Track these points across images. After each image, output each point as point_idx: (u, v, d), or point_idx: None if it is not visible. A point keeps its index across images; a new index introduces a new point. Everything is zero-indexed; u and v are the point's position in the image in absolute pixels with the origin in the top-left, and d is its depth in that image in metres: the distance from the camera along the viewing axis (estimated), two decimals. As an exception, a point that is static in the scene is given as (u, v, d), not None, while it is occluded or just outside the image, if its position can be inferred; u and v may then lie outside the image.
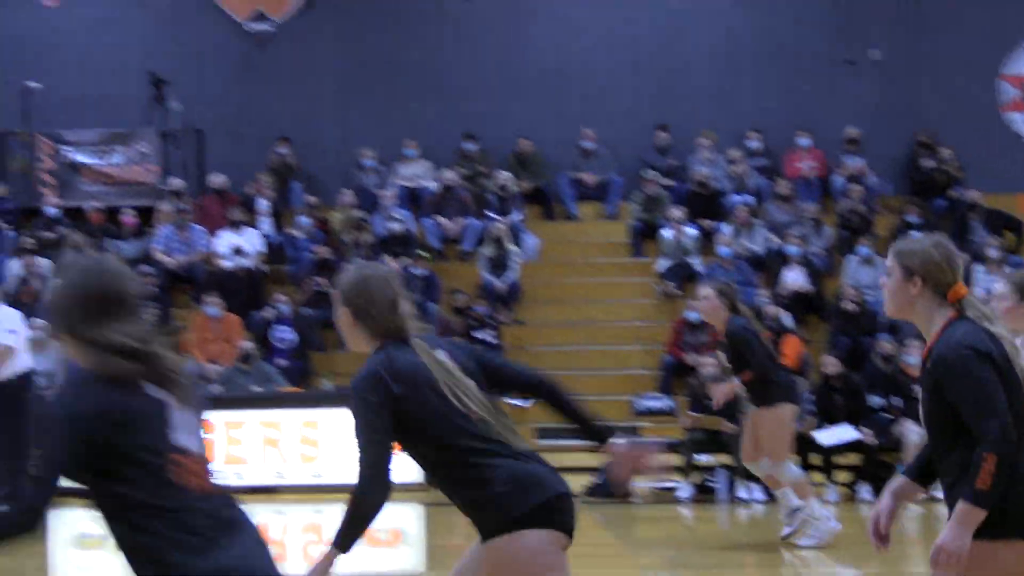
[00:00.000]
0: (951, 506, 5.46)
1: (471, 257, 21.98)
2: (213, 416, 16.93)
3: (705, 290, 12.88)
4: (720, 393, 13.24)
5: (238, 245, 21.43)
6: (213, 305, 19.89)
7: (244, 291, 20.80)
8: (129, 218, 22.34)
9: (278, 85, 24.14)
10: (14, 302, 19.81)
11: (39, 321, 18.76)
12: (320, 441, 17.29)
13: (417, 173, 23.37)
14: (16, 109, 23.22)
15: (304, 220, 22.13)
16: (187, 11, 24.35)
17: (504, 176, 22.72)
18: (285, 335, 19.97)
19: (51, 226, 22.23)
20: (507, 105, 23.81)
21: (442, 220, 22.46)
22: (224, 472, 16.81)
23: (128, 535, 4.41)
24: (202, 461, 4.56)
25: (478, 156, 23.46)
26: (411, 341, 5.65)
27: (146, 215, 22.50)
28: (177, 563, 4.38)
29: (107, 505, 4.44)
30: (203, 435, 4.63)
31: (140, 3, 24.32)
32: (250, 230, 21.83)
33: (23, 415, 15.32)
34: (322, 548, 5.54)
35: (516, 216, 22.34)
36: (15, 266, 21.19)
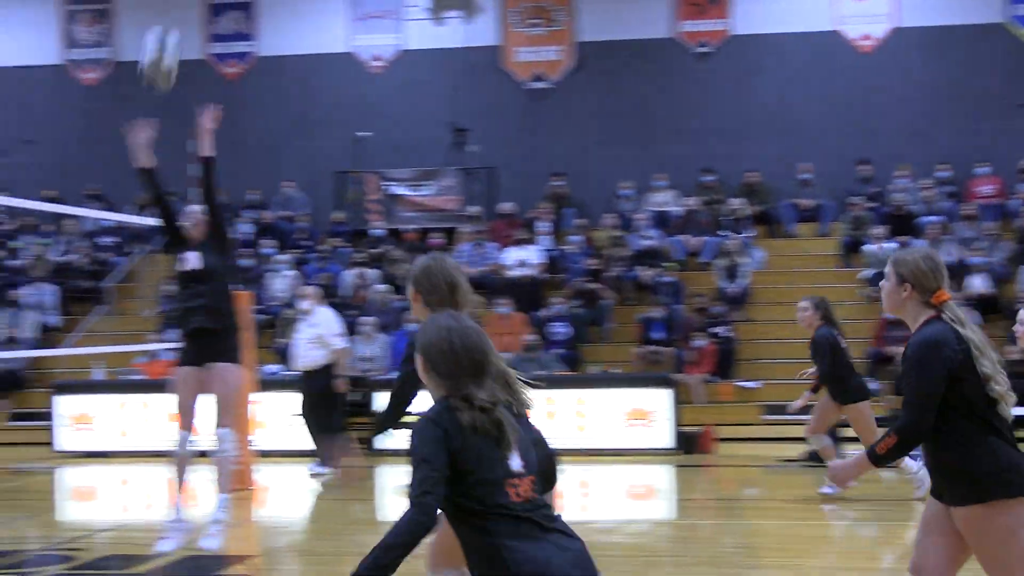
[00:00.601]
0: (930, 469, 5.60)
1: (709, 267, 21.90)
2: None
3: (804, 303, 12.76)
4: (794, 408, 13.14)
5: (522, 258, 21.82)
6: (503, 306, 20.27)
7: (527, 295, 21.04)
8: (437, 238, 22.95)
9: (554, 130, 24.73)
10: (348, 304, 20.92)
11: (369, 319, 19.90)
12: (588, 415, 17.47)
13: (665, 200, 23.47)
14: (350, 153, 24.27)
15: (575, 238, 22.36)
16: (481, 74, 25.02)
17: (736, 202, 22.67)
18: (560, 330, 20.18)
19: (377, 244, 23.10)
20: (738, 144, 23.97)
21: (686, 238, 22.49)
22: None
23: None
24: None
25: (715, 186, 23.44)
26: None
27: (450, 235, 23.18)
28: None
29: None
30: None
31: (444, 68, 25.00)
32: (532, 246, 22.14)
33: (330, 397, 16.21)
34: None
35: (746, 234, 22.19)
36: (349, 276, 22.07)
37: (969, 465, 5.38)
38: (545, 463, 5.39)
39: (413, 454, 4.25)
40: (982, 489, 5.34)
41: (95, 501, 15.56)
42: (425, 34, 25.06)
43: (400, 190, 24.19)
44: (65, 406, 18.78)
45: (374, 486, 16.05)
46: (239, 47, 26.06)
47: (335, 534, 12.07)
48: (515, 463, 4.32)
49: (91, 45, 26.35)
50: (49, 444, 18.80)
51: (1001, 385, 5.44)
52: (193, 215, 10.30)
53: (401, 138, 24.62)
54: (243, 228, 23.83)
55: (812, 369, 12.61)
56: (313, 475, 15.87)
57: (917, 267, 5.63)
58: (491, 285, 21.63)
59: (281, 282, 21.93)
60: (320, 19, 25.71)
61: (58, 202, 23.75)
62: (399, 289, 21.26)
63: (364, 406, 18.35)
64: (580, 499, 14.64)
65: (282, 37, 25.84)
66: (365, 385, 18.57)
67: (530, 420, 5.22)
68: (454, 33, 24.92)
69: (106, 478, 16.78)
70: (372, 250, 22.77)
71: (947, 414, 5.43)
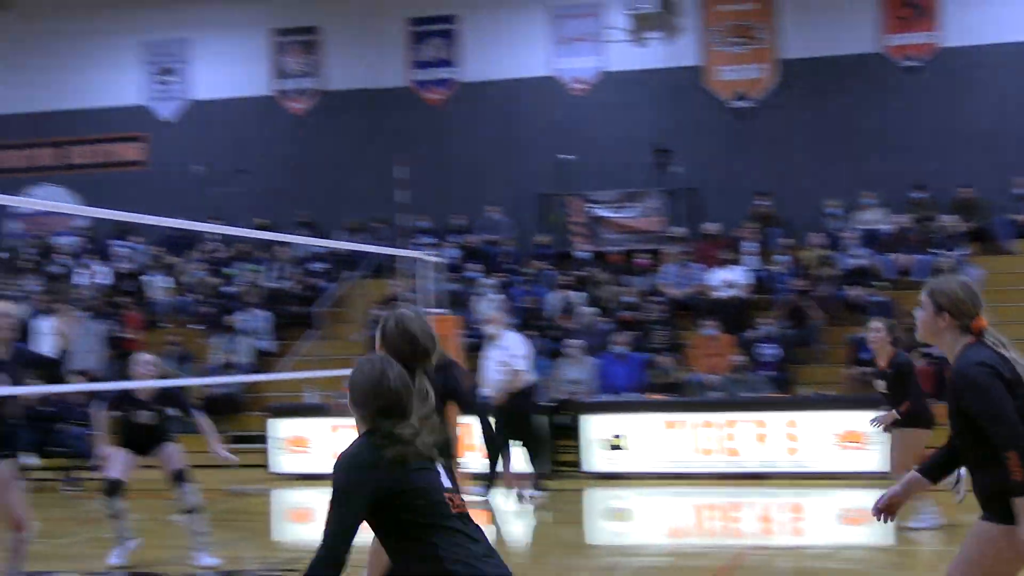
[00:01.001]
0: (977, 492, 5.48)
1: (921, 286, 21.60)
2: (713, 416, 17.72)
3: (876, 323, 12.35)
4: (881, 421, 12.28)
5: (728, 279, 21.71)
6: (709, 327, 20.22)
7: (734, 315, 20.91)
8: (642, 259, 23.02)
9: (758, 149, 24.54)
10: (554, 327, 21.08)
11: (575, 341, 20.02)
12: (800, 437, 17.30)
13: (874, 218, 23.08)
14: (554, 176, 24.49)
15: (782, 258, 22.12)
16: (683, 95, 24.99)
17: (948, 219, 22.23)
18: (769, 351, 19.95)
19: (581, 266, 23.22)
20: (950, 159, 23.45)
21: (896, 256, 22.07)
22: (721, 461, 17.55)
23: None
24: None
25: (926, 202, 22.98)
26: None
27: (655, 256, 23.11)
28: None
29: None
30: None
31: (646, 89, 25.08)
32: (738, 267, 22.01)
33: (527, 421, 16.25)
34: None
35: (960, 252, 21.68)
36: (554, 298, 22.28)
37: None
38: None
39: (335, 491, 4.58)
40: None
41: (311, 523, 15.93)
42: (626, 55, 25.11)
43: (604, 212, 24.28)
44: (280, 429, 19.31)
45: (582, 509, 16.13)
46: (442, 73, 26.48)
47: (540, 556, 12.13)
48: (445, 481, 4.68)
49: (299, 75, 27.07)
50: (265, 466, 19.33)
51: None
52: None
53: (604, 160, 24.70)
54: (449, 252, 24.16)
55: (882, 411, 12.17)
56: (523, 499, 15.96)
57: (956, 295, 5.62)
58: (697, 306, 21.65)
59: (487, 305, 22.15)
60: (521, 44, 25.98)
61: (270, 229, 24.46)
62: (605, 311, 21.36)
63: (571, 428, 18.45)
64: (793, 523, 14.52)
65: (484, 62, 26.19)
66: (572, 408, 18.68)
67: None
68: (655, 54, 24.93)
69: (320, 500, 17.16)
70: (577, 272, 22.88)
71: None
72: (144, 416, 11.95)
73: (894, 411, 12.03)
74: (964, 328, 5.59)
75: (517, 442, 15.88)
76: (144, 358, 12.20)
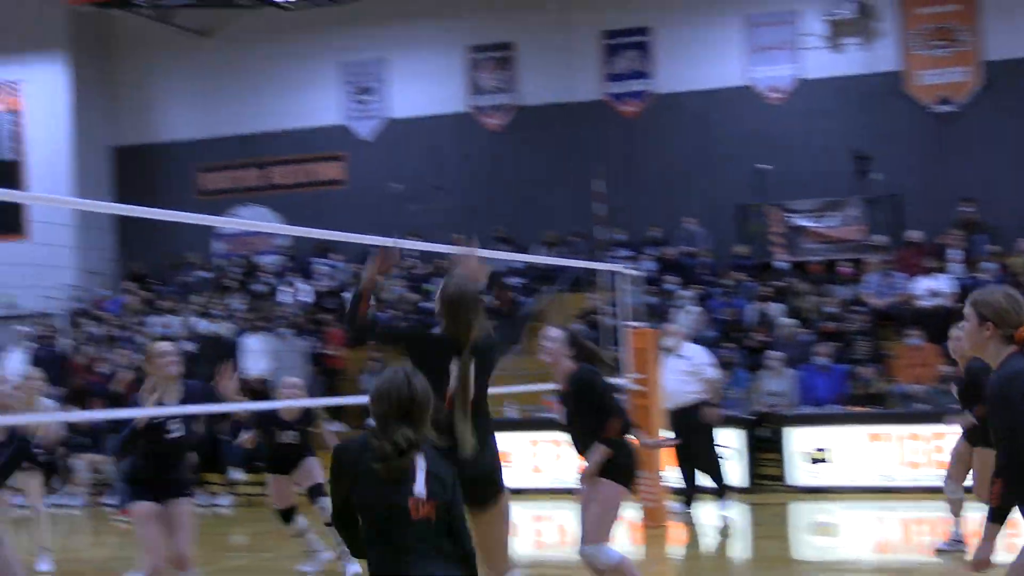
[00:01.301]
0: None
1: None
2: (919, 428, 17.34)
3: (955, 331, 11.79)
4: (957, 423, 11.88)
5: (933, 287, 21.17)
6: (913, 337, 19.83)
7: (940, 325, 19.74)
8: (844, 268, 22.64)
9: (961, 154, 23.93)
10: (753, 339, 20.88)
11: (776, 353, 19.84)
12: None
13: (1085, 222, 22.62)
14: (752, 186, 24.27)
15: (988, 265, 21.51)
16: (882, 100, 24.52)
17: None
18: (975, 362, 19.54)
19: (781, 277, 22.96)
20: None
21: None
22: (929, 475, 17.17)
23: None
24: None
25: None
26: None
27: (857, 265, 22.67)
28: None
29: None
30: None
31: (844, 96, 24.69)
32: (942, 275, 21.47)
33: (699, 434, 15.80)
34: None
35: None
36: (753, 310, 21.98)
37: None
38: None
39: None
40: None
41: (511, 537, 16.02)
42: (823, 62, 24.82)
43: (803, 221, 23.97)
44: (481, 443, 19.43)
45: (786, 523, 15.98)
46: (636, 85, 26.49)
47: (743, 571, 12.07)
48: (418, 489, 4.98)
49: (494, 91, 27.35)
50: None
51: None
52: None
53: (802, 169, 24.43)
54: (645, 265, 24.14)
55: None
56: (723, 513, 15.89)
57: (999, 305, 5.69)
58: (901, 316, 21.23)
59: (686, 318, 22.08)
60: (716, 53, 25.83)
61: (467, 245, 24.73)
62: (806, 322, 21.12)
63: (773, 442, 18.30)
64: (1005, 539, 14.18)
65: (678, 73, 26.11)
66: (773, 420, 18.53)
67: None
68: (853, 60, 24.60)
69: (521, 514, 17.27)
70: (776, 283, 22.66)
71: None
72: (288, 436, 12.45)
73: (968, 414, 11.65)
74: (1008, 338, 5.62)
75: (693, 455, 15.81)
76: (290, 381, 12.73)
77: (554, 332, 9.04)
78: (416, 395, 5.09)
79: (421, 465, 5.03)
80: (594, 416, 8.78)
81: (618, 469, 8.72)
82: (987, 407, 5.58)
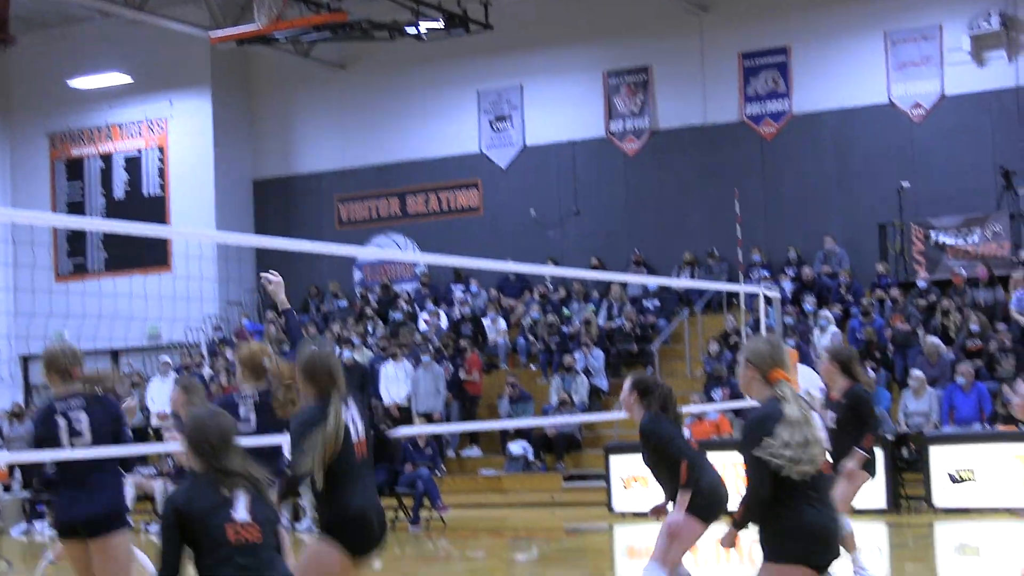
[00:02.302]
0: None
1: None
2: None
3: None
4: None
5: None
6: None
7: None
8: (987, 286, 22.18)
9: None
10: (889, 358, 20.59)
11: (917, 372, 19.56)
12: None
13: None
14: (893, 204, 23.91)
15: None
16: (1029, 113, 24.32)
17: None
18: None
19: (923, 295, 22.69)
20: None
21: None
22: None
23: None
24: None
25: None
26: None
27: (1003, 283, 22.22)
28: None
29: None
30: None
31: (989, 110, 24.24)
32: (1091, 291, 21.22)
33: None
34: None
35: None
36: (894, 329, 21.61)
37: (773, 524, 6.37)
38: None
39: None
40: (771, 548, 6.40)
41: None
42: (966, 77, 24.44)
43: (946, 238, 23.59)
44: (618, 467, 19.48)
45: (931, 544, 15.73)
46: (774, 106, 26.32)
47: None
48: (240, 514, 5.75)
49: (631, 115, 27.39)
50: (606, 504, 19.52)
51: (790, 452, 6.24)
52: None
53: (945, 185, 24.09)
54: (784, 285, 23.98)
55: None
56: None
57: (757, 350, 6.61)
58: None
59: (827, 338, 21.87)
60: (856, 71, 25.55)
61: (604, 269, 24.83)
62: (949, 340, 20.78)
63: (914, 462, 18.03)
64: None
65: (817, 92, 25.90)
66: (916, 440, 18.27)
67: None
68: (997, 73, 24.20)
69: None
70: (919, 301, 22.33)
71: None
72: None
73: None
74: (764, 381, 6.55)
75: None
76: None
77: (626, 383, 9.20)
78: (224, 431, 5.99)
79: (240, 494, 5.82)
80: (664, 463, 9.08)
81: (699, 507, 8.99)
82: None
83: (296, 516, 20.16)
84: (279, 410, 8.62)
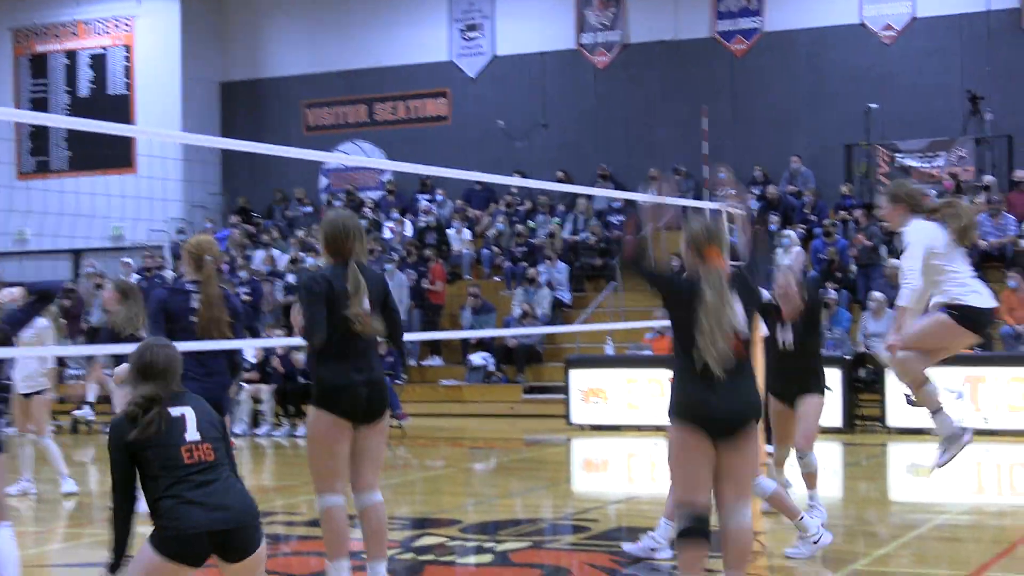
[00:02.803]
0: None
1: None
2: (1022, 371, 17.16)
3: None
4: None
5: (1044, 229, 21.00)
6: (1012, 279, 19.51)
7: None
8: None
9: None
10: (852, 278, 20.61)
11: (877, 294, 19.64)
12: None
13: None
14: (860, 125, 23.99)
15: (1101, 207, 21.27)
16: (999, 38, 24.13)
17: None
18: (1085, 305, 18.99)
19: (883, 218, 22.70)
20: None
21: None
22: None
23: None
24: None
25: None
26: None
27: (965, 207, 22.49)
28: None
29: None
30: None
31: (959, 34, 24.26)
32: (1054, 218, 21.27)
33: None
34: None
35: None
36: (856, 249, 21.74)
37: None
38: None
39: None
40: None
41: (606, 473, 16.17)
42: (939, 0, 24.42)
43: (911, 162, 23.67)
44: (578, 380, 19.58)
45: (885, 464, 15.91)
46: (746, 23, 26.21)
47: (838, 510, 12.02)
48: (191, 434, 5.81)
49: (602, 28, 27.21)
50: (564, 417, 19.65)
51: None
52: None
53: (913, 108, 24.12)
54: (750, 204, 24.00)
55: None
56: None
57: (693, 229, 6.56)
58: (1006, 258, 20.97)
59: (788, 257, 21.93)
60: (829, -9, 25.52)
61: (570, 182, 24.76)
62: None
63: (872, 383, 18.19)
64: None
65: (789, 11, 25.80)
66: (872, 361, 18.41)
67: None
68: (970, -4, 24.23)
69: (617, 451, 17.38)
70: (880, 223, 22.37)
71: None
72: None
73: None
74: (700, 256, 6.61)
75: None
76: None
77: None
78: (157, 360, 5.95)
79: (190, 414, 5.86)
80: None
81: None
82: None
83: (255, 423, 20.22)
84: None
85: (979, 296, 8.13)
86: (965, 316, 8.10)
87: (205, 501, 5.68)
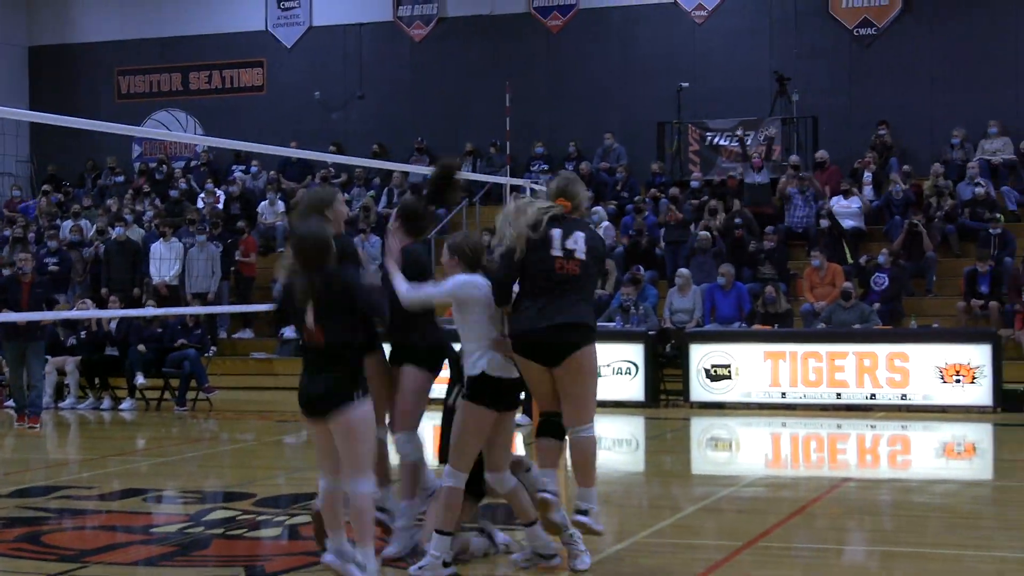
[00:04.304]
0: None
1: None
2: (819, 347, 17.64)
3: None
4: None
5: (845, 208, 21.51)
6: (820, 257, 19.76)
7: (848, 245, 20.80)
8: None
9: (879, 78, 24.10)
10: (659, 254, 20.85)
11: (683, 271, 19.93)
12: (907, 370, 17.03)
13: (998, 147, 22.69)
14: (671, 104, 24.34)
15: (899, 188, 21.72)
16: (806, 21, 24.70)
17: None
18: (882, 282, 19.67)
19: (696, 195, 23.07)
20: None
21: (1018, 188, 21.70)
22: (826, 393, 17.48)
23: None
24: None
25: None
26: None
27: (771, 185, 22.85)
28: None
29: None
30: None
31: (768, 16, 24.76)
32: (855, 196, 21.72)
33: None
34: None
35: None
36: (665, 227, 22.12)
37: None
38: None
39: None
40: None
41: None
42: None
43: (721, 140, 23.98)
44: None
45: (688, 438, 16.17)
46: (562, 0, 26.34)
47: (640, 484, 12.19)
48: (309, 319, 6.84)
49: (419, 1, 27.10)
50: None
51: None
52: None
53: (722, 88, 24.55)
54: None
55: None
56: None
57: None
58: (811, 236, 21.43)
59: (599, 232, 22.17)
60: (643, -31, 25.77)
61: (386, 155, 24.67)
62: (716, 240, 21.19)
63: (676, 358, 18.47)
64: (896, 456, 14.43)
65: (605, -12, 26.05)
66: (676, 336, 18.71)
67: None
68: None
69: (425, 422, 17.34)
70: (691, 201, 22.72)
71: None
72: None
73: None
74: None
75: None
76: None
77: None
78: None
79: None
80: None
81: None
82: None
83: (60, 395, 19.74)
84: None
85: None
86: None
87: None
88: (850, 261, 20.58)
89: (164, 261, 22.41)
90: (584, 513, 7.57)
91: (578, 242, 7.54)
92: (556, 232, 7.52)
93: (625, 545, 8.56)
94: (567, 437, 7.71)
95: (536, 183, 16.11)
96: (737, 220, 21.34)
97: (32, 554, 8.59)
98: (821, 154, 23.05)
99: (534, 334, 7.43)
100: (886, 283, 19.76)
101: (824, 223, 21.23)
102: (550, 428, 7.62)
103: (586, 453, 7.59)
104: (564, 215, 7.63)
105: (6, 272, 20.90)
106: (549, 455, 7.56)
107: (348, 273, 7.17)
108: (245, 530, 9.30)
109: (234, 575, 7.72)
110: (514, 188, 16.13)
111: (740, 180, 23.00)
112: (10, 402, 17.47)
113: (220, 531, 9.22)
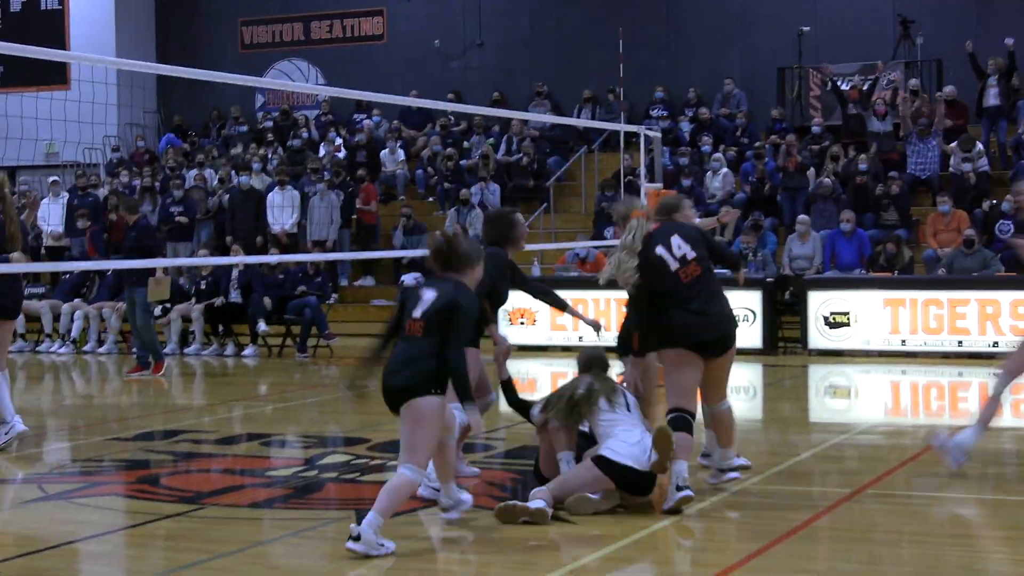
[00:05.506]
0: None
1: None
2: (941, 294, 17.33)
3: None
4: None
5: (969, 153, 21.00)
6: (944, 203, 19.57)
7: (972, 192, 20.43)
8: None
9: (1005, 19, 23.53)
10: (779, 201, 20.62)
11: (803, 217, 19.69)
12: None
13: None
14: (792, 48, 24.00)
15: (1027, 133, 21.22)
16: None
17: None
18: (1006, 228, 19.26)
19: (817, 140, 22.82)
20: None
21: None
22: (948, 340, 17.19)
23: None
24: None
25: None
26: None
27: (896, 129, 22.26)
28: None
29: None
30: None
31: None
32: (978, 142, 21.20)
33: None
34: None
35: None
36: (786, 172, 21.86)
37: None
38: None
39: None
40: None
41: (531, 394, 16.15)
42: (875, -78, 24.41)
43: (843, 85, 23.54)
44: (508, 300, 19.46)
45: (805, 385, 16.05)
46: (684, -58, 26.06)
47: (758, 431, 12.10)
48: (417, 312, 7.03)
49: (540, -51, 26.97)
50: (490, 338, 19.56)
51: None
52: None
53: (845, 32, 24.19)
54: (683, 126, 24.02)
55: None
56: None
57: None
58: (934, 181, 21.04)
59: (719, 180, 22.00)
60: (765, -89, 25.38)
61: (505, 103, 24.64)
62: (837, 187, 20.90)
63: (795, 305, 18.29)
64: (1020, 404, 14.19)
65: (726, -69, 25.71)
66: (794, 284, 18.52)
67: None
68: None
69: (543, 371, 17.40)
70: (813, 147, 22.41)
71: None
72: None
73: None
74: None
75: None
76: None
77: None
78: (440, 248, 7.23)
79: (427, 296, 7.06)
80: None
81: None
82: None
83: (185, 342, 20.07)
84: None
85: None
86: None
87: None
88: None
89: (282, 209, 22.64)
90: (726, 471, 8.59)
91: (680, 246, 8.00)
92: (660, 249, 8.00)
93: (741, 487, 8.57)
94: (709, 408, 8.41)
95: (652, 129, 16.00)
96: (862, 167, 20.97)
97: (151, 495, 8.78)
98: (950, 90, 22.43)
99: (703, 331, 8.01)
100: (1011, 230, 19.31)
101: (956, 168, 20.74)
102: (683, 424, 7.87)
103: (727, 421, 8.46)
104: (651, 231, 8.10)
105: (112, 217, 21.30)
106: (683, 448, 7.79)
107: (468, 300, 7.16)
108: (358, 474, 9.41)
109: (346, 518, 7.81)
110: (628, 135, 16.03)
111: (863, 125, 22.55)
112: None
113: (334, 475, 9.34)
